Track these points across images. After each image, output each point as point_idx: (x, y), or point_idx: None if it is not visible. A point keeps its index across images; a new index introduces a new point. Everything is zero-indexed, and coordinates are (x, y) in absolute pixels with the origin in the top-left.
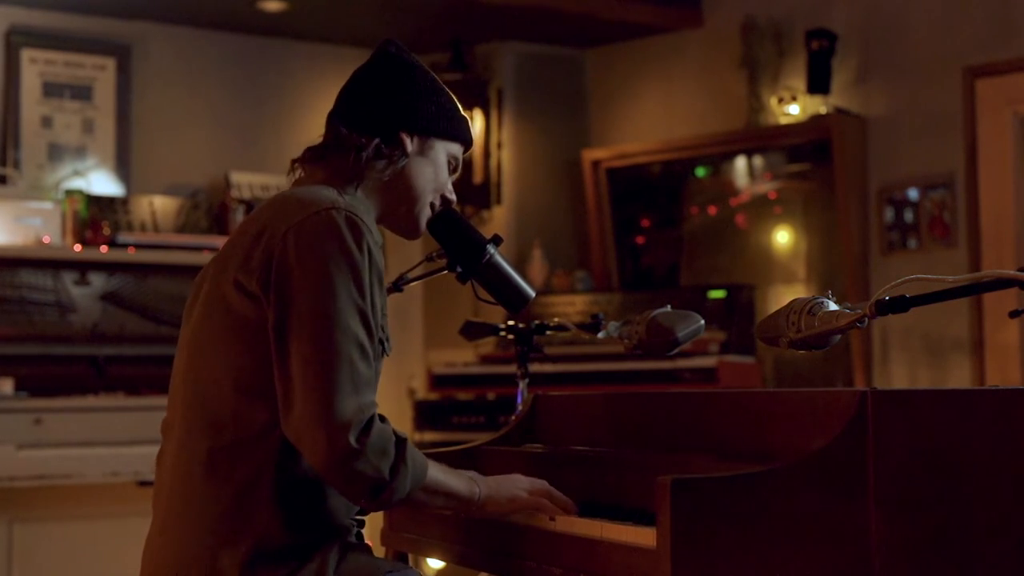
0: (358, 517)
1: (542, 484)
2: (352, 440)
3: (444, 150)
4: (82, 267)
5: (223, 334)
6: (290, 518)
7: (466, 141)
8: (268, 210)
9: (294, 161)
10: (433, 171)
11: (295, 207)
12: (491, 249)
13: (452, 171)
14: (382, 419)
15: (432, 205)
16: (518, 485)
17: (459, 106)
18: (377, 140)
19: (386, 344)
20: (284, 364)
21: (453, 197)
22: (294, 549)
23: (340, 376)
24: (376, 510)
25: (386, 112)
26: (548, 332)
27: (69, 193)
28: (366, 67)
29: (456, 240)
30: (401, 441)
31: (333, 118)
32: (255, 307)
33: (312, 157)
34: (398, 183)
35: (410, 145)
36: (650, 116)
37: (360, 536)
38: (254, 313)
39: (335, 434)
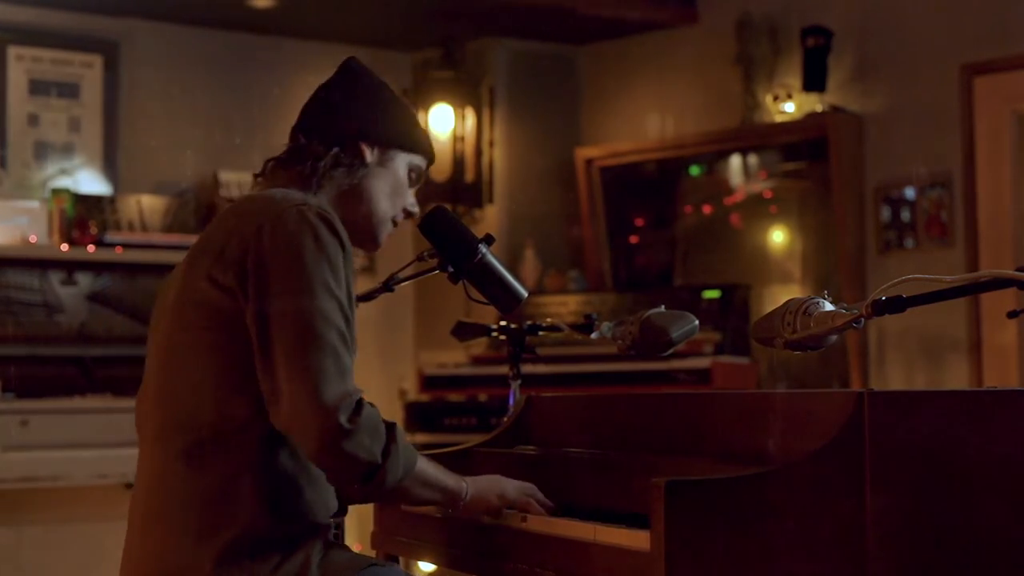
0: (335, 519)
1: (527, 485)
2: (343, 420)
3: (405, 162)
4: (69, 267)
5: (199, 331)
6: (273, 512)
7: (427, 153)
8: (236, 211)
9: (256, 176)
10: (393, 182)
11: (266, 204)
12: (483, 248)
13: (414, 183)
14: (370, 404)
15: (393, 219)
16: (503, 485)
17: (419, 120)
18: (336, 149)
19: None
20: (267, 357)
21: (416, 210)
22: (278, 542)
23: (325, 363)
24: (367, 497)
25: (346, 122)
26: (541, 333)
27: (56, 192)
28: (329, 81)
29: (448, 239)
30: (391, 425)
31: (295, 131)
32: (230, 300)
33: (273, 167)
34: (356, 193)
35: (369, 156)
36: (644, 114)
37: (338, 539)
38: (229, 306)
39: (325, 417)
